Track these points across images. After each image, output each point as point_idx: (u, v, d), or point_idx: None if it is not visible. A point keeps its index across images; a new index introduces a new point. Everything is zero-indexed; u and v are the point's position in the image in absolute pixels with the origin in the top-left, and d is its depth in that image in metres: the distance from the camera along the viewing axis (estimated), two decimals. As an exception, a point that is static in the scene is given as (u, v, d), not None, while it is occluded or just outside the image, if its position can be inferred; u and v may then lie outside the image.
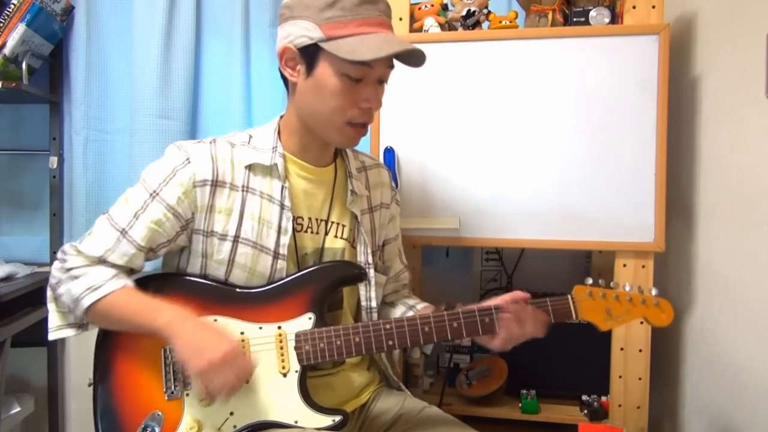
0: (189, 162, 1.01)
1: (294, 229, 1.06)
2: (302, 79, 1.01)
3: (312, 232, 1.09)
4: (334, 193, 1.12)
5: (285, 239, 1.05)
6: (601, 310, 1.02)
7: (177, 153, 1.03)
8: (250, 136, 1.09)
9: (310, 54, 0.98)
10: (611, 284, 1.04)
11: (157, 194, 1.01)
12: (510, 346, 1.02)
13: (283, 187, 1.05)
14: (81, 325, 1.06)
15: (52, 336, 1.05)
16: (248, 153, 1.05)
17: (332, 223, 1.11)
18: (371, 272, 1.15)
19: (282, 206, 1.05)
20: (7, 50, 1.61)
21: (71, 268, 1.00)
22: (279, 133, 1.09)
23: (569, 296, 1.03)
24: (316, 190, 1.10)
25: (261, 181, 1.05)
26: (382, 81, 1.04)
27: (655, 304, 1.03)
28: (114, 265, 1.02)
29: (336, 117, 1.01)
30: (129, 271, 1.05)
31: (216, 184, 1.02)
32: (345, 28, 0.95)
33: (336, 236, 1.12)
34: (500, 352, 1.04)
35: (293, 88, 1.04)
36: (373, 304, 1.14)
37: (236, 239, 1.03)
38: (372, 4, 0.97)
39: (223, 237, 1.03)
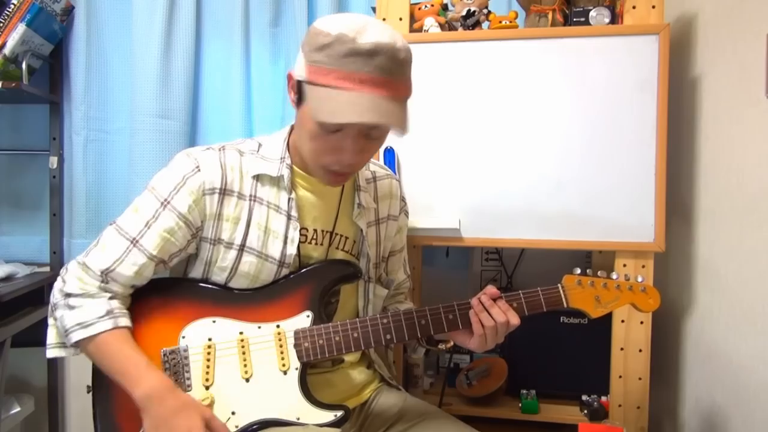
0: (198, 170, 1.01)
1: (299, 240, 1.06)
2: (296, 108, 1.00)
3: (317, 244, 1.09)
4: (340, 206, 1.11)
5: (292, 249, 1.04)
6: (591, 298, 1.06)
7: (186, 160, 1.02)
8: (260, 145, 1.07)
9: (300, 89, 0.96)
10: (598, 273, 1.08)
11: (169, 203, 1.00)
12: (486, 341, 1.02)
13: (289, 198, 1.05)
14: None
15: (49, 354, 1.02)
16: (256, 163, 1.05)
17: (337, 235, 1.11)
18: (371, 286, 1.15)
19: (289, 216, 1.05)
20: (7, 50, 1.62)
21: (69, 294, 0.98)
22: (289, 143, 1.07)
23: (559, 285, 1.06)
24: (322, 202, 1.09)
25: (268, 191, 1.05)
26: (369, 136, 0.96)
27: (642, 290, 1.08)
28: (116, 292, 0.99)
29: (313, 158, 0.99)
30: (132, 287, 1.02)
31: (224, 192, 1.02)
32: (326, 77, 0.90)
33: (338, 248, 1.11)
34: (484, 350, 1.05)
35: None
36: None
37: (242, 248, 1.03)
38: (363, 57, 0.87)
39: (229, 245, 1.03)
